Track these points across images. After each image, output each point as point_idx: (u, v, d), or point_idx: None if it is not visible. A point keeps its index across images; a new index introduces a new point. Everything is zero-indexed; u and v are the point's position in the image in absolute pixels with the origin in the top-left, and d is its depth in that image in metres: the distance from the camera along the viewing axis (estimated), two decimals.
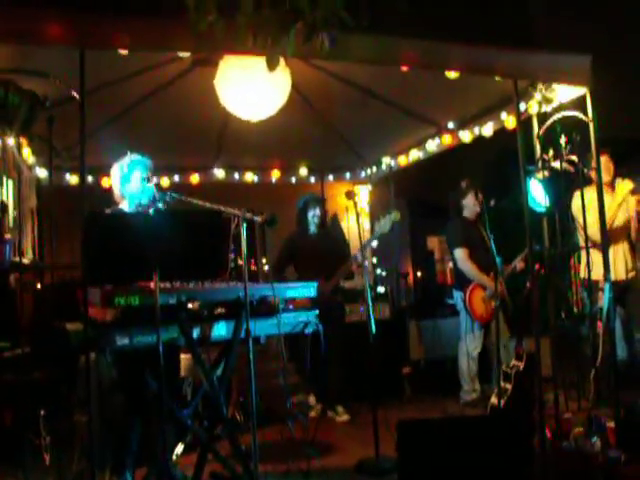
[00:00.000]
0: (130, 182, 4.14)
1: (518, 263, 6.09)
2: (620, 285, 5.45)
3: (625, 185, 5.58)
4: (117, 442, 4.06)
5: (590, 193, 5.29)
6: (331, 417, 5.99)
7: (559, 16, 6.23)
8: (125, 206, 4.20)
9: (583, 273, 5.10)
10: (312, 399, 6.29)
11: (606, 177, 5.44)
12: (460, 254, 6.18)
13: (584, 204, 4.81)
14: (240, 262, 3.93)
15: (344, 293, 6.32)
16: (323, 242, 6.25)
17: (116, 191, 4.22)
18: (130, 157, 4.20)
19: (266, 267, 6.01)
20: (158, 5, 3.39)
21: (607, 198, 5.28)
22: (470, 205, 6.27)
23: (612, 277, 5.15)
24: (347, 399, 6.08)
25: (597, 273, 4.95)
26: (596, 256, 4.98)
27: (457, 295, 6.31)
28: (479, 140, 6.43)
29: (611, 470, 3.92)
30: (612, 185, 5.57)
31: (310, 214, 6.24)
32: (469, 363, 6.17)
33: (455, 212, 6.38)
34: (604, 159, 5.45)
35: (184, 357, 4.85)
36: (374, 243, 6.26)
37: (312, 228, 6.27)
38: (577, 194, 4.86)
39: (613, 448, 4.19)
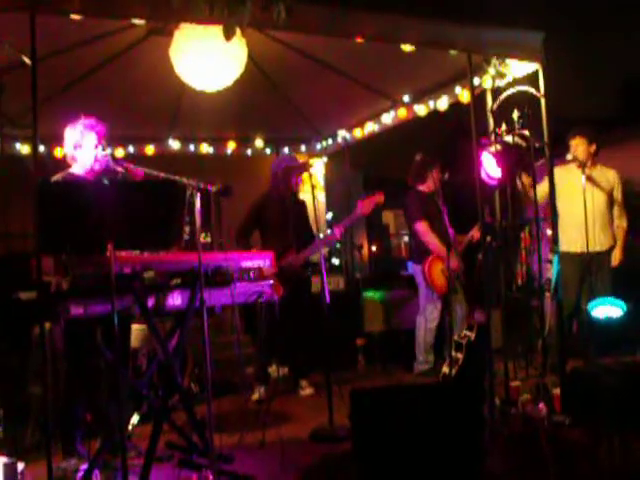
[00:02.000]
0: (82, 147, 4.14)
1: (475, 233, 6.19)
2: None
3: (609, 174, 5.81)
4: (66, 414, 4.07)
5: (570, 173, 5.51)
6: (297, 392, 5.89)
7: None
8: (76, 169, 4.20)
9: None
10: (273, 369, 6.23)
11: (577, 158, 5.64)
12: (422, 227, 6.24)
13: (535, 179, 4.92)
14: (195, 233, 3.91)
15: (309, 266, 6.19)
16: (297, 211, 5.90)
17: (68, 154, 4.22)
18: (83, 122, 4.17)
19: (221, 241, 5.90)
20: None
21: (577, 177, 5.56)
22: (428, 179, 6.34)
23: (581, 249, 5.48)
24: (311, 374, 5.99)
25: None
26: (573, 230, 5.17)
27: (416, 268, 6.38)
28: (435, 114, 6.48)
29: (556, 433, 4.07)
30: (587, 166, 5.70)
31: (293, 180, 5.83)
32: (426, 334, 6.29)
33: (415, 184, 6.43)
34: (574, 142, 5.70)
35: (139, 327, 4.86)
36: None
37: (289, 195, 5.88)
38: (557, 170, 5.01)
39: (558, 413, 4.35)
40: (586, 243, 5.41)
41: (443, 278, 6.12)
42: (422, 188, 6.38)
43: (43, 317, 3.30)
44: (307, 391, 5.90)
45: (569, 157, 5.66)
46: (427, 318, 6.29)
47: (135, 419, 4.47)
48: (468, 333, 5.35)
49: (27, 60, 3.35)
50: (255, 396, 5.73)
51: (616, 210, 5.91)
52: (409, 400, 3.54)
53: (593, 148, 5.74)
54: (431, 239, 6.20)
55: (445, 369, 5.36)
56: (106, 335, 3.81)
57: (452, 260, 5.84)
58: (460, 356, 5.29)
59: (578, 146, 5.71)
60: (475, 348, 5.26)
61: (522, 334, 5.71)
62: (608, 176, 5.82)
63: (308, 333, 5.73)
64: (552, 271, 4.98)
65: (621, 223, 5.93)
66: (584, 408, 4.25)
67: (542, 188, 5.09)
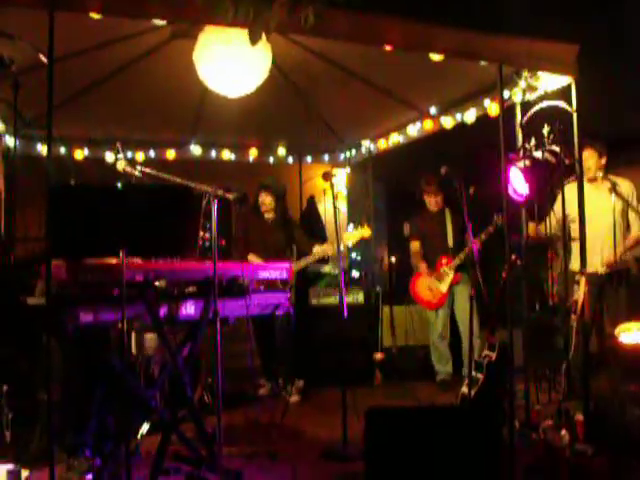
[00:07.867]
0: None
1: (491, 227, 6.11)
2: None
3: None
4: (77, 420, 3.99)
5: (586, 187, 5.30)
6: (284, 396, 5.98)
7: (551, 6, 6.18)
8: None
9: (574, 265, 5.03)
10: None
11: (588, 172, 5.42)
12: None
13: (564, 196, 4.76)
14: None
15: (313, 276, 6.27)
16: (275, 231, 6.24)
17: None
18: None
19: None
20: None
21: (592, 192, 5.32)
22: None
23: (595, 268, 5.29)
24: (297, 379, 6.19)
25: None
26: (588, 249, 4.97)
27: None
28: (461, 127, 6.34)
29: (577, 463, 3.90)
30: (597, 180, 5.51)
31: (259, 200, 6.25)
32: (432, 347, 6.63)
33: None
34: (585, 154, 5.42)
35: (151, 336, 4.76)
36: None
37: (266, 215, 6.27)
38: (569, 187, 4.86)
39: (581, 441, 4.17)
40: (600, 261, 5.32)
41: (430, 294, 6.48)
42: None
43: (50, 323, 3.21)
44: (294, 397, 6.05)
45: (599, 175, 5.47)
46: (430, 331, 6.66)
47: (145, 428, 4.36)
48: (489, 353, 5.20)
49: (44, 59, 3.26)
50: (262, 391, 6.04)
51: (632, 219, 5.53)
52: (425, 421, 3.44)
53: (604, 161, 5.51)
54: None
55: (464, 389, 5.21)
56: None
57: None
58: (480, 376, 5.14)
59: (588, 159, 5.50)
60: (496, 369, 5.11)
61: (545, 355, 5.54)
62: (622, 189, 5.49)
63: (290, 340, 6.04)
64: (579, 292, 4.80)
65: (635, 232, 5.50)
66: (608, 437, 4.08)
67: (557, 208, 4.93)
